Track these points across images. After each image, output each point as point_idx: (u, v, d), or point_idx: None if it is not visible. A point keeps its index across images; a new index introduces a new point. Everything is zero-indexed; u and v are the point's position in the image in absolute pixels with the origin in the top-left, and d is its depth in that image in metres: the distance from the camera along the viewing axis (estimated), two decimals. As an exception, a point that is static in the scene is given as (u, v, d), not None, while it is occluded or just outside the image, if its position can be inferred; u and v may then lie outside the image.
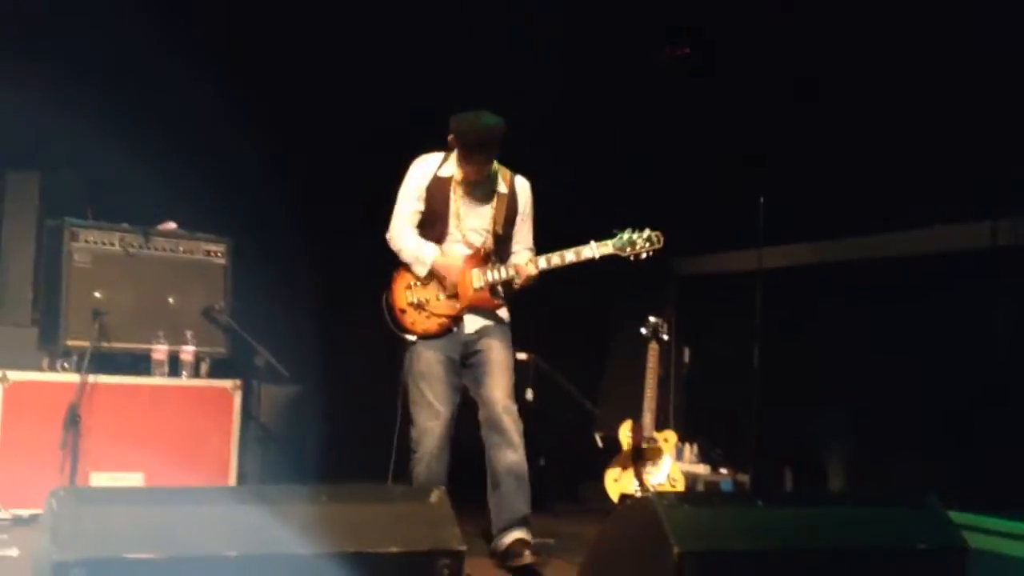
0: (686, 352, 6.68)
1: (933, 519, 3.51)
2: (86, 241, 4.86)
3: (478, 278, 4.34)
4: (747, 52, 5.89)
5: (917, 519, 3.49)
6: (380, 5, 5.75)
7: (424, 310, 4.35)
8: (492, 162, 4.37)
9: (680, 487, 5.32)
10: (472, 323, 4.38)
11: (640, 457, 5.35)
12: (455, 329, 4.35)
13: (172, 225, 5.13)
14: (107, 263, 4.89)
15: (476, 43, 5.85)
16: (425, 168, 4.44)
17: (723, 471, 5.94)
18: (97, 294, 4.83)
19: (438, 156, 4.45)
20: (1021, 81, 4.71)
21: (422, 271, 4.39)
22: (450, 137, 4.33)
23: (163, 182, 5.19)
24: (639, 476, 5.31)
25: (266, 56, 5.71)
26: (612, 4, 5.99)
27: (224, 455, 4.90)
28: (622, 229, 4.27)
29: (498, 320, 4.44)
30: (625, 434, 5.41)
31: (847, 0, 5.42)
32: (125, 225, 4.98)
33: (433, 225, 4.40)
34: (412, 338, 4.34)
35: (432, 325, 4.34)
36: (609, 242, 4.27)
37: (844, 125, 5.50)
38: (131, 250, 4.95)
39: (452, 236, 4.39)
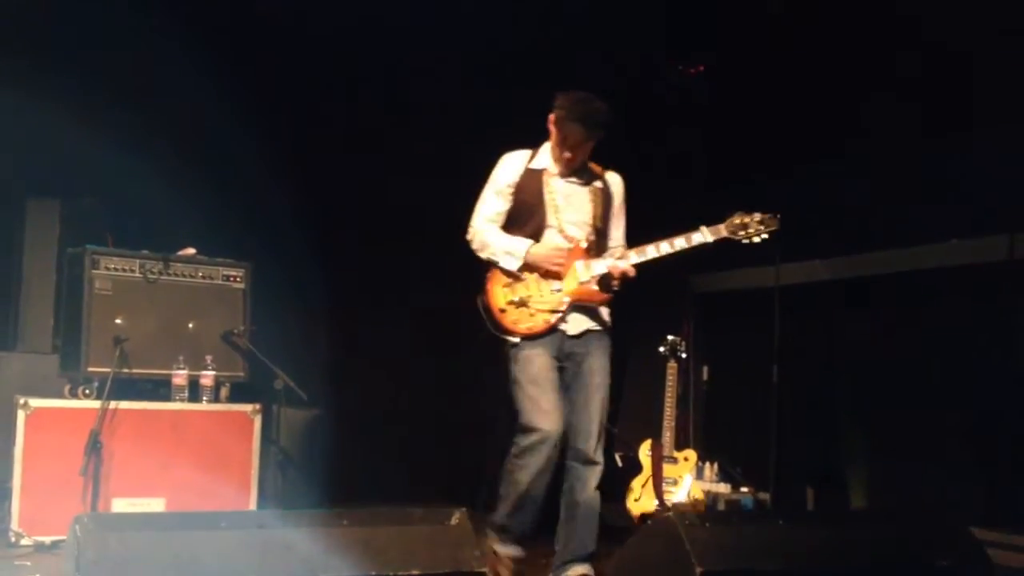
0: (705, 370, 6.66)
1: (956, 536, 3.49)
2: (106, 268, 4.89)
3: (584, 270, 4.04)
4: (757, 69, 5.90)
5: (940, 536, 3.47)
6: (402, 33, 5.78)
7: (527, 307, 4.03)
8: (591, 148, 4.07)
9: (701, 506, 5.30)
10: (576, 323, 4.09)
11: (660, 476, 5.34)
12: (561, 326, 4.04)
13: (191, 251, 5.16)
14: (127, 290, 4.91)
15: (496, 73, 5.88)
16: (514, 163, 4.17)
17: (744, 489, 5.90)
18: (118, 320, 4.86)
19: (526, 152, 4.18)
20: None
21: (513, 264, 4.05)
22: (551, 117, 4.06)
23: (182, 208, 5.24)
24: (659, 495, 5.29)
25: (284, 83, 5.76)
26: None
27: (245, 479, 4.91)
28: (731, 213, 4.03)
29: (603, 324, 4.14)
30: (645, 453, 5.41)
31: (851, 17, 5.42)
32: (145, 252, 5.00)
33: (528, 221, 4.10)
34: (516, 339, 4.02)
35: (538, 322, 4.02)
36: (721, 226, 4.02)
37: (860, 140, 5.50)
38: (151, 276, 4.98)
39: (552, 228, 4.09)
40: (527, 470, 3.95)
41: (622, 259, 4.07)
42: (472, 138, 5.77)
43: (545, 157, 4.16)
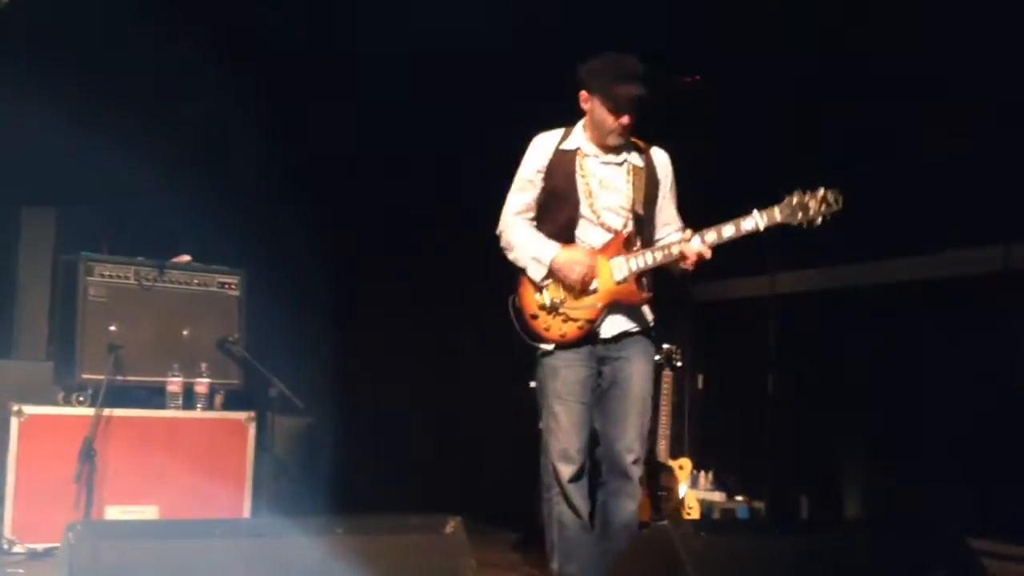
0: (700, 379, 6.66)
1: (952, 545, 3.48)
2: (101, 275, 4.88)
3: (620, 267, 3.71)
4: (752, 76, 5.91)
5: (935, 546, 3.47)
6: (398, 37, 5.78)
7: (559, 312, 3.73)
8: (634, 119, 3.70)
9: (696, 514, 5.30)
10: (612, 325, 3.77)
11: (655, 485, 5.33)
12: (597, 331, 3.74)
13: (186, 258, 5.16)
14: (122, 297, 4.91)
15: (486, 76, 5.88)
16: (544, 145, 3.83)
17: (739, 498, 5.91)
18: (112, 328, 4.85)
19: (558, 131, 3.84)
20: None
21: (538, 272, 3.75)
22: (583, 94, 3.75)
23: (178, 215, 5.23)
24: (654, 504, 5.29)
25: (280, 87, 5.76)
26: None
27: (239, 487, 4.90)
28: (789, 192, 3.59)
29: (643, 324, 3.84)
30: (640, 462, 5.40)
31: (847, 27, 5.43)
32: (140, 259, 5.00)
33: (561, 208, 3.77)
34: (548, 347, 3.74)
35: (571, 329, 3.72)
36: (776, 208, 3.59)
37: (853, 149, 5.50)
38: (146, 283, 4.97)
39: (585, 219, 3.76)
40: (560, 502, 3.73)
41: (696, 238, 3.63)
42: (470, 140, 5.80)
43: (578, 136, 3.82)
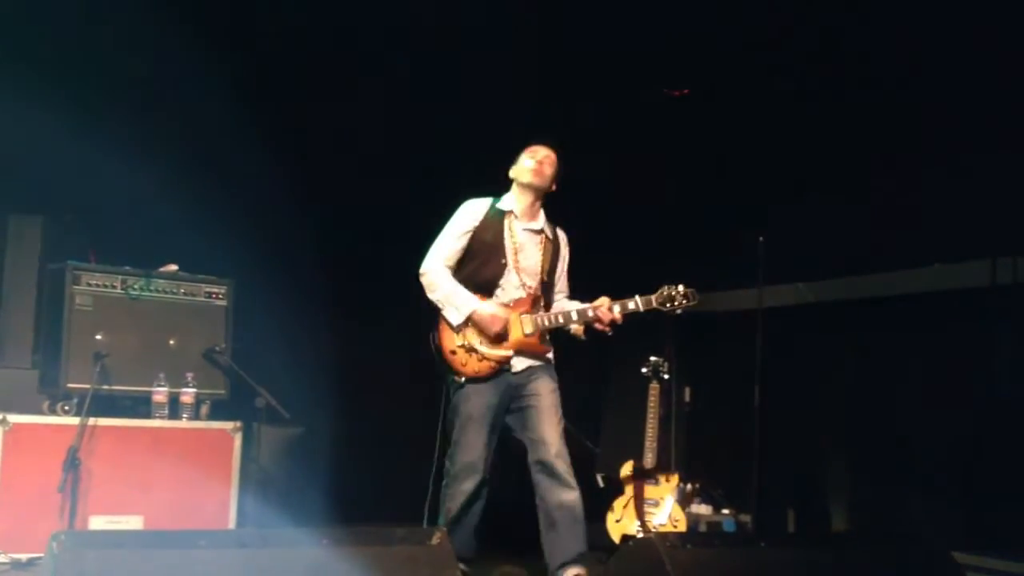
0: (687, 391, 6.67)
1: (936, 560, 3.49)
2: (88, 284, 4.87)
3: (529, 323, 4.33)
4: (742, 91, 5.93)
5: (921, 559, 3.48)
6: (400, 34, 5.79)
7: (475, 352, 4.30)
8: (552, 177, 4.40)
9: (682, 527, 5.30)
10: (520, 363, 4.36)
11: (642, 497, 5.33)
12: (505, 371, 4.32)
13: (173, 267, 5.14)
14: (108, 306, 4.90)
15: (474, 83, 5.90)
16: (478, 206, 4.43)
17: (725, 511, 5.91)
18: (98, 337, 4.84)
19: (489, 199, 4.46)
20: (1016, 118, 4.74)
21: (455, 319, 4.32)
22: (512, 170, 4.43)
23: (164, 225, 5.22)
24: (641, 516, 5.29)
25: (271, 94, 5.76)
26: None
27: (224, 497, 4.88)
28: (660, 286, 4.28)
29: (546, 361, 4.43)
30: (626, 474, 5.40)
31: (838, 36, 5.46)
32: (127, 268, 4.99)
33: (487, 262, 4.37)
34: (461, 380, 4.31)
35: (483, 367, 4.30)
36: (652, 296, 4.27)
37: (841, 165, 5.53)
38: (132, 293, 4.96)
39: (509, 274, 4.37)
40: (459, 497, 4.26)
41: (614, 306, 4.27)
42: (467, 152, 5.81)
43: (510, 200, 4.43)
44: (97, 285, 4.89)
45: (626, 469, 5.42)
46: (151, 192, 5.19)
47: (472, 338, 4.31)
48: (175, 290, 5.08)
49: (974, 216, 4.93)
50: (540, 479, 4.26)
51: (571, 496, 4.23)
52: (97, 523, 4.57)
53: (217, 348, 5.09)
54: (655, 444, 5.39)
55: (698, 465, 6.32)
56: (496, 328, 4.27)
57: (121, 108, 5.35)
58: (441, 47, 5.79)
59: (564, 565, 4.21)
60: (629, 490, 5.37)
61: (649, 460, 5.37)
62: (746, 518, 5.85)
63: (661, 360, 5.46)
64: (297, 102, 5.90)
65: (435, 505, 4.48)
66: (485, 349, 4.29)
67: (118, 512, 4.63)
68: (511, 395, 4.34)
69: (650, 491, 5.35)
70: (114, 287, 4.93)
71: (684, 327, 6.67)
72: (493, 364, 4.30)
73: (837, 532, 5.58)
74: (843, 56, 5.41)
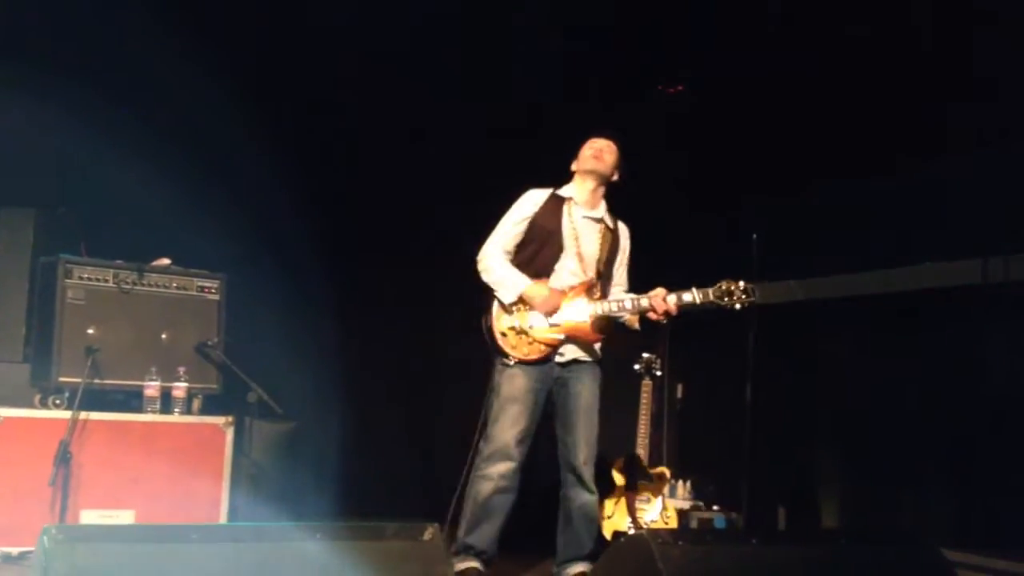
0: (679, 388, 6.67)
1: (928, 557, 3.50)
2: (80, 278, 4.85)
3: (583, 309, 4.33)
4: (737, 87, 5.93)
5: (912, 557, 3.49)
6: (382, 42, 5.78)
7: (525, 335, 4.31)
8: (613, 165, 4.46)
9: (673, 524, 5.30)
10: (569, 351, 4.37)
11: (633, 494, 5.34)
12: (551, 359, 4.34)
13: (166, 261, 5.13)
14: (101, 300, 4.88)
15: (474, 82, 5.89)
16: (538, 193, 4.48)
17: (716, 508, 5.92)
18: (90, 331, 4.82)
19: (551, 189, 4.50)
20: (1010, 118, 4.75)
21: (507, 297, 4.33)
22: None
23: (157, 218, 5.21)
24: (632, 513, 5.29)
25: (268, 89, 5.75)
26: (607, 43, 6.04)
27: (216, 492, 4.87)
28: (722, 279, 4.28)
29: (593, 354, 4.44)
30: (618, 471, 5.41)
31: (830, 36, 5.46)
32: (119, 262, 4.98)
33: (544, 246, 4.39)
34: (511, 362, 4.30)
35: (533, 351, 4.31)
36: (709, 289, 4.27)
37: (834, 161, 5.53)
38: (125, 286, 4.95)
39: (566, 259, 4.39)
40: (487, 481, 4.23)
41: (670, 297, 4.27)
42: (469, 154, 5.81)
43: (571, 188, 4.48)
44: (89, 279, 4.88)
45: (618, 465, 5.42)
46: (144, 185, 5.18)
47: (524, 320, 4.31)
48: (167, 284, 5.07)
49: (965, 214, 4.94)
50: (567, 478, 4.36)
51: (591, 499, 4.37)
52: (88, 517, 4.56)
53: (209, 342, 5.08)
54: (647, 441, 5.40)
55: (690, 462, 6.33)
56: (548, 307, 4.28)
57: (114, 101, 5.33)
58: (438, 42, 5.78)
59: (572, 560, 4.36)
60: (621, 486, 5.38)
61: (641, 456, 5.37)
62: (737, 515, 5.86)
63: (654, 357, 5.47)
64: (291, 94, 5.89)
65: (463, 499, 4.40)
66: (536, 332, 4.30)
67: (110, 506, 4.62)
68: (553, 386, 4.36)
69: (642, 488, 5.36)
70: (106, 281, 4.92)
71: (677, 324, 6.67)
72: (543, 348, 4.30)
73: (828, 529, 5.59)
74: (839, 48, 5.40)
